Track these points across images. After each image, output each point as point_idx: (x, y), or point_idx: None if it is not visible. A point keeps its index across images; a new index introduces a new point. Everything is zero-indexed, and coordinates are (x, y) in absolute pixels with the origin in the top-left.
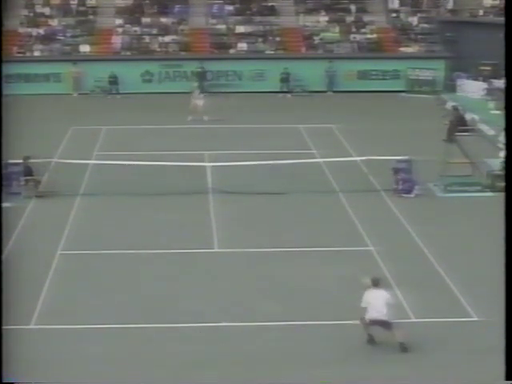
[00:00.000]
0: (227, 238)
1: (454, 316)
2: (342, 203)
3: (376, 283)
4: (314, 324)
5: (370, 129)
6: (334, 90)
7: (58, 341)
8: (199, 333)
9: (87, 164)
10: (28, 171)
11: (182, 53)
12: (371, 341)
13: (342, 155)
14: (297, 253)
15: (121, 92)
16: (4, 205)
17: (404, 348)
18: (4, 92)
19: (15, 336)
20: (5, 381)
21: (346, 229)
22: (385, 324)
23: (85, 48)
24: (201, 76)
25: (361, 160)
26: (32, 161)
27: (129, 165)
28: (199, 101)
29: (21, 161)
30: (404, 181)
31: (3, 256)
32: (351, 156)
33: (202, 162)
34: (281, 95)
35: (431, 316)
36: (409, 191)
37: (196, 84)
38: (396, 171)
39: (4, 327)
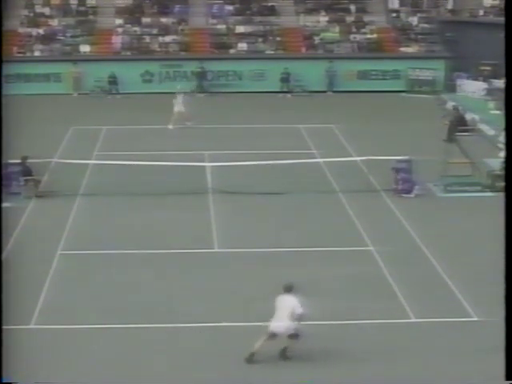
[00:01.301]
0: (227, 238)
1: (454, 316)
2: (342, 203)
3: (289, 289)
4: (314, 324)
5: (370, 129)
6: (334, 90)
7: (58, 341)
8: (199, 333)
9: (87, 164)
10: (27, 171)
11: (182, 53)
12: (250, 359)
13: (342, 155)
14: (297, 253)
15: (121, 92)
16: (4, 205)
17: (284, 355)
18: (4, 92)
19: (15, 336)
20: (5, 381)
21: (346, 229)
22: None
23: (85, 48)
24: (201, 76)
25: (361, 160)
26: (30, 161)
27: (129, 165)
28: (182, 107)
29: (19, 161)
30: (404, 181)
31: (3, 256)
32: (351, 156)
33: (202, 161)
34: (281, 95)
35: (431, 316)
36: (409, 191)
37: (179, 87)
38: (396, 171)
39: (4, 327)
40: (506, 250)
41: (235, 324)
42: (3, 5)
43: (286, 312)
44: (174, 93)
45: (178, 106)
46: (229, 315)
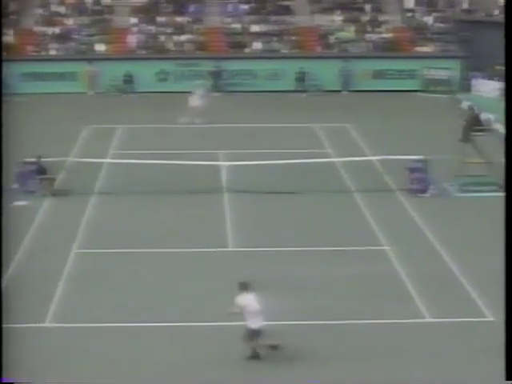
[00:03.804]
0: (241, 237)
1: (469, 316)
2: (357, 203)
3: (245, 287)
4: (328, 324)
5: (385, 128)
6: (349, 89)
7: (72, 339)
8: (214, 331)
9: (102, 163)
10: (42, 170)
11: (197, 52)
12: (256, 355)
13: (356, 155)
14: (311, 252)
15: (136, 91)
16: (20, 203)
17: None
18: (14, 91)
19: (30, 334)
20: (4, 381)
21: (361, 228)
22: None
23: (100, 47)
24: (216, 75)
25: (376, 159)
26: (45, 159)
27: (144, 164)
28: (199, 102)
29: (35, 159)
30: (419, 180)
31: (19, 254)
32: (366, 155)
33: (217, 160)
34: (296, 94)
35: (446, 316)
36: (424, 191)
37: (200, 81)
38: (411, 171)
39: (8, 326)
40: (506, 250)
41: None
42: (3, 4)
43: (254, 308)
44: (189, 92)
45: (195, 100)
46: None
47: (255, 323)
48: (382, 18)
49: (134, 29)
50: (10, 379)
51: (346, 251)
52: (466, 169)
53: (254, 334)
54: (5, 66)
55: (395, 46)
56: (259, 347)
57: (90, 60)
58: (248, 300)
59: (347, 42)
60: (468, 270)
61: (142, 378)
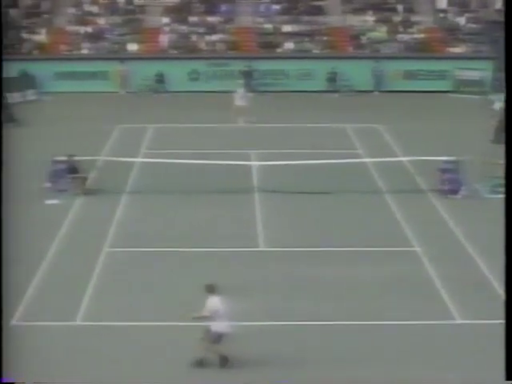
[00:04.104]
0: (272, 236)
1: (500, 318)
2: (388, 203)
3: (212, 290)
4: (355, 324)
5: (417, 129)
6: (381, 89)
7: (102, 337)
8: (243, 331)
9: (134, 162)
10: (73, 169)
11: (229, 52)
12: (225, 361)
13: (388, 155)
14: (341, 252)
15: (167, 90)
16: (51, 201)
17: (225, 361)
18: (46, 90)
19: (60, 332)
20: (4, 381)
21: (392, 229)
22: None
23: (132, 46)
24: (247, 75)
25: (407, 160)
26: (77, 158)
27: (175, 163)
28: (243, 101)
29: (66, 158)
30: (450, 181)
31: (51, 252)
32: (397, 156)
33: (248, 160)
34: (327, 94)
35: (476, 318)
36: (455, 192)
37: (241, 82)
38: (442, 172)
39: (49, 324)
40: (506, 250)
41: (274, 323)
42: (2, 4)
43: (223, 312)
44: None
45: (239, 99)
46: (270, 314)
47: (222, 327)
48: (414, 18)
49: (166, 28)
50: (10, 379)
51: (376, 252)
52: (498, 170)
53: (218, 338)
54: (38, 64)
55: (427, 47)
56: (216, 352)
57: (121, 59)
58: (218, 303)
59: (379, 42)
60: (499, 271)
61: (143, 378)
